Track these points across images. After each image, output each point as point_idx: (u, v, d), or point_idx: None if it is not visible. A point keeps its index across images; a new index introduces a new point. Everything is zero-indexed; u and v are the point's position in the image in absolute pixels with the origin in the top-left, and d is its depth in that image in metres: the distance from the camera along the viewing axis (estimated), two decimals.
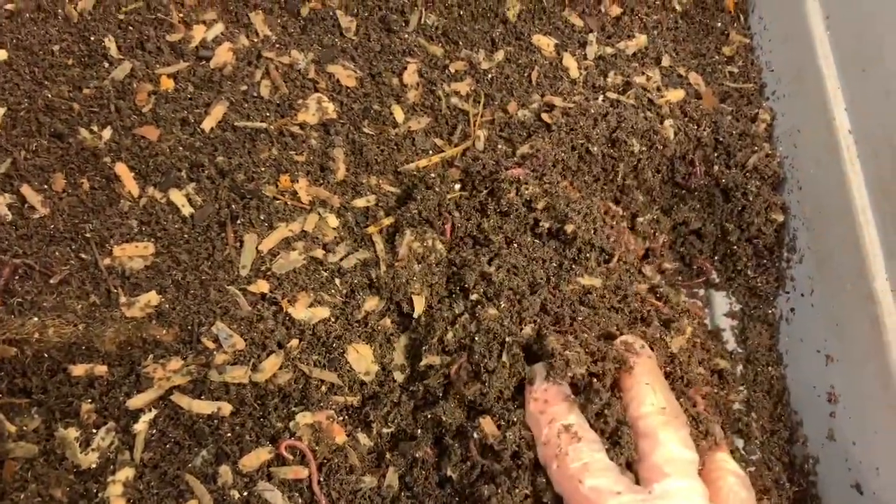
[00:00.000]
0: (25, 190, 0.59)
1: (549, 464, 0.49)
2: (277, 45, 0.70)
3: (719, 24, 0.81)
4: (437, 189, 0.64)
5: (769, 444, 0.66)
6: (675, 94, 0.73)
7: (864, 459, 0.58)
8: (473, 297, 0.59)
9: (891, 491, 0.55)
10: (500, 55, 0.73)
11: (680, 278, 0.74)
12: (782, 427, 0.66)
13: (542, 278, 0.59)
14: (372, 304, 0.59)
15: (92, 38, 0.66)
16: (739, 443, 0.65)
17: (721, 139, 0.72)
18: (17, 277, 0.56)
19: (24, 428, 0.53)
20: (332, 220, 0.63)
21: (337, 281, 0.60)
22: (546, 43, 0.75)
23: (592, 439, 0.48)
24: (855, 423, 0.60)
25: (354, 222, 0.64)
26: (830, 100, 0.66)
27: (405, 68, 0.71)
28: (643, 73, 0.75)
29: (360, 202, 0.64)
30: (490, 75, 0.72)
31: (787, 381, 0.69)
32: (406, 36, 0.73)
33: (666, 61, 0.76)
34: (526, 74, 0.73)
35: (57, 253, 0.58)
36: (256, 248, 0.60)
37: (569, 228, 0.61)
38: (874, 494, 0.57)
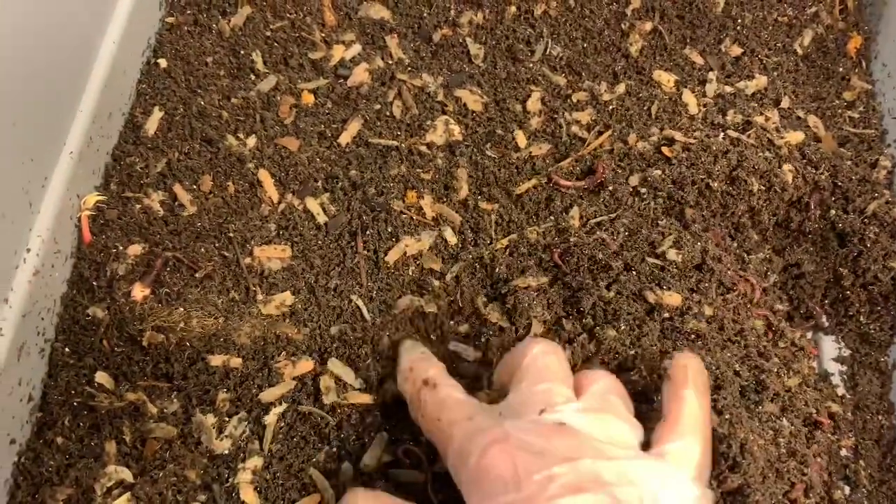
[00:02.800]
0: (177, 189, 0.64)
1: (416, 419, 0.51)
2: (410, 68, 0.73)
3: (840, 69, 0.81)
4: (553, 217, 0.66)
5: (877, 494, 0.65)
6: (795, 136, 0.74)
7: None
8: (590, 319, 0.60)
9: None
10: (621, 88, 0.75)
11: (788, 322, 0.74)
12: (892, 477, 0.65)
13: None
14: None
15: (241, 52, 0.71)
16: (846, 490, 0.64)
17: (839, 184, 0.72)
18: (167, 270, 0.60)
19: (165, 410, 0.56)
20: (452, 237, 0.65)
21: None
22: (666, 78, 0.76)
23: (451, 384, 0.51)
24: None
25: (473, 241, 0.66)
26: None
27: (529, 96, 0.73)
28: (762, 114, 0.75)
29: (480, 221, 0.66)
30: (611, 107, 0.74)
31: None
32: (531, 65, 0.75)
33: (785, 103, 0.77)
34: (646, 108, 0.75)
35: (203, 249, 0.62)
36: (383, 258, 0.63)
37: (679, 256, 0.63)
38: None
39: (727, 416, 0.54)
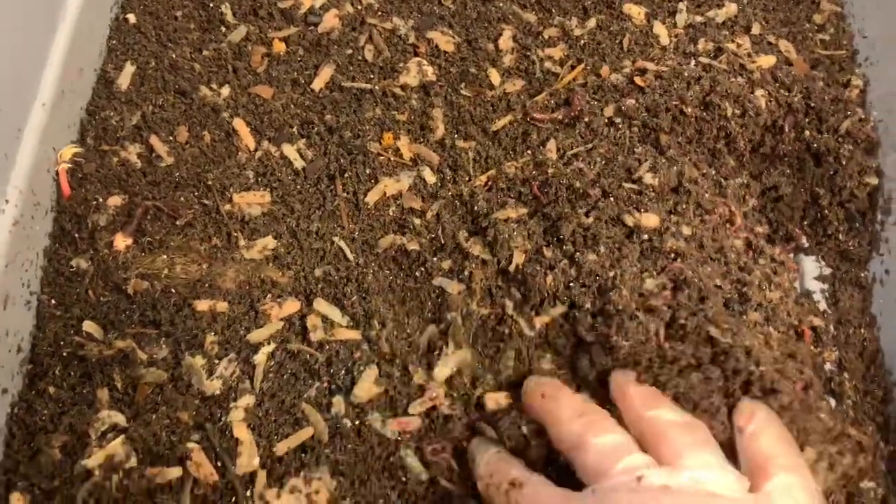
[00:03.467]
0: (153, 140, 0.64)
1: None
2: (380, 12, 0.73)
3: None
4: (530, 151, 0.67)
5: (862, 404, 0.66)
6: (767, 61, 0.74)
7: None
8: (570, 246, 0.61)
9: None
10: (591, 22, 0.75)
11: (769, 244, 0.74)
12: (876, 387, 0.66)
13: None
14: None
15: (210, 5, 0.71)
16: (832, 402, 0.65)
17: (813, 104, 0.72)
18: (148, 219, 0.61)
19: (154, 356, 0.57)
20: (430, 176, 0.66)
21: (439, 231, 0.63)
22: (637, 11, 0.77)
23: (536, 479, 0.50)
24: None
25: (452, 179, 0.66)
26: None
27: (500, 34, 0.73)
28: (733, 41, 0.76)
29: (457, 160, 0.67)
30: (583, 41, 0.74)
31: (881, 343, 0.69)
32: (501, 4, 0.75)
33: (756, 29, 0.77)
34: (617, 41, 0.75)
35: (182, 198, 0.62)
36: (363, 199, 0.64)
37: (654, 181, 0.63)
38: None
39: (725, 326, 0.54)
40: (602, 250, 0.60)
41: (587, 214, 0.62)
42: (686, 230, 0.62)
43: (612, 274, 0.58)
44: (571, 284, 0.59)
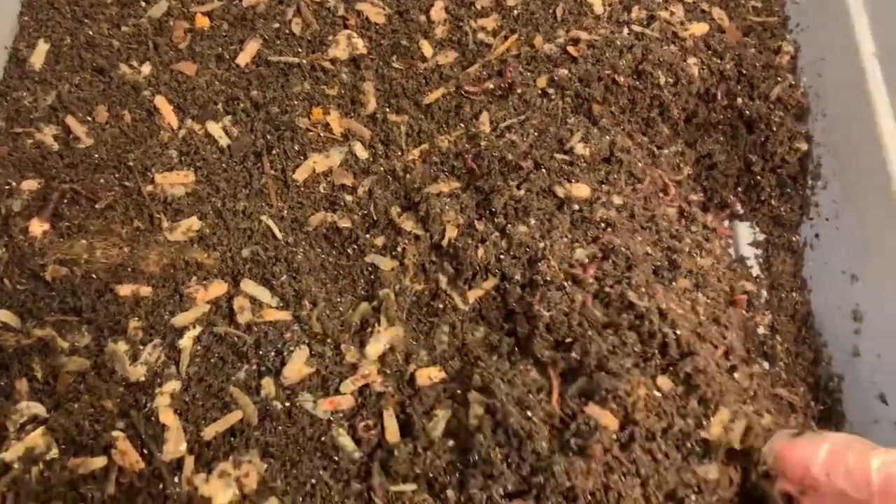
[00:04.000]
0: (70, 121, 0.61)
1: None
2: None
3: None
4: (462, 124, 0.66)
5: (794, 365, 0.67)
6: (699, 28, 0.74)
7: (890, 371, 0.59)
8: (501, 218, 0.60)
9: None
10: None
11: (704, 212, 0.75)
12: (807, 349, 0.68)
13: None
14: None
15: None
16: (765, 365, 0.66)
17: (744, 72, 0.73)
18: (65, 202, 0.58)
19: (76, 344, 0.55)
20: (362, 151, 0.65)
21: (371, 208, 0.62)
22: None
23: None
24: (880, 337, 0.61)
25: (384, 154, 0.65)
26: (854, 25, 0.67)
27: (432, 5, 0.72)
28: (667, 9, 0.75)
29: (389, 134, 0.66)
30: (516, 12, 0.73)
31: (812, 305, 0.70)
32: None
33: None
34: (551, 11, 0.74)
35: (102, 180, 0.60)
36: (291, 177, 0.62)
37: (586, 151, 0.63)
38: None
39: (643, 290, 0.55)
40: (532, 222, 0.59)
41: (519, 187, 0.62)
42: (617, 200, 0.62)
43: (541, 245, 0.58)
44: (502, 257, 0.59)
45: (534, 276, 0.57)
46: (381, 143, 0.66)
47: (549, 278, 0.56)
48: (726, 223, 0.75)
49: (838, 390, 0.64)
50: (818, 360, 0.67)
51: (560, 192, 0.61)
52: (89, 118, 0.63)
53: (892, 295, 0.60)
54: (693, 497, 0.50)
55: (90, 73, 0.64)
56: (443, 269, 0.60)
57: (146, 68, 0.65)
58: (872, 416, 0.60)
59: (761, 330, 0.68)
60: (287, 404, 0.55)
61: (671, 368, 0.54)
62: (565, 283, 0.56)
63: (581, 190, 0.61)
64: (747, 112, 0.72)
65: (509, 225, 0.59)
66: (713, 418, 0.52)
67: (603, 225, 0.60)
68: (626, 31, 0.72)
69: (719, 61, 0.73)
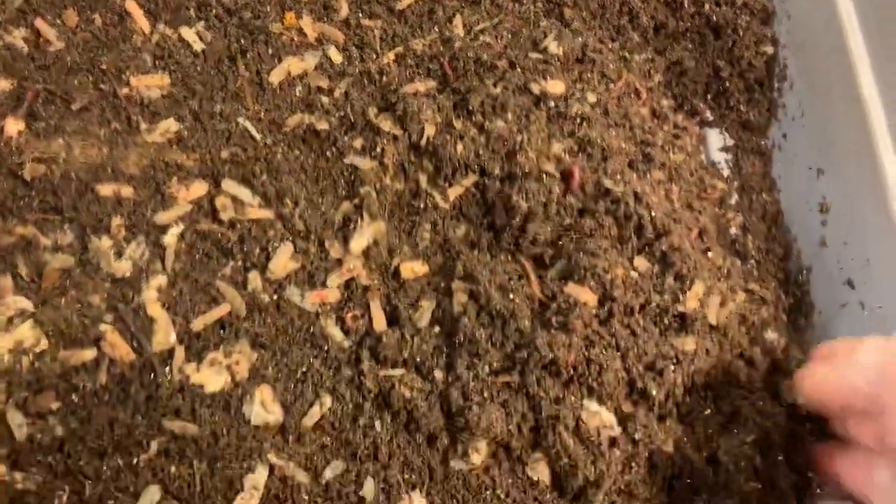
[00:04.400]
0: (39, 23, 0.60)
1: None
2: None
3: None
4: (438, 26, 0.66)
5: (765, 262, 0.70)
6: None
7: (855, 255, 0.62)
8: (479, 116, 0.61)
9: (881, 279, 0.59)
10: None
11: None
12: (777, 246, 0.70)
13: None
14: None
15: None
16: (738, 262, 0.68)
17: None
18: (39, 103, 0.58)
19: (59, 242, 0.55)
20: (336, 55, 0.65)
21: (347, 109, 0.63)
22: None
23: None
24: (846, 224, 0.63)
25: (359, 57, 0.65)
26: None
27: None
28: None
29: (364, 38, 0.66)
30: None
31: (781, 205, 0.72)
32: None
33: None
34: None
35: (76, 82, 0.59)
36: (267, 79, 0.62)
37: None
38: (865, 284, 0.61)
39: (619, 177, 0.56)
40: (510, 117, 0.60)
41: (495, 85, 0.63)
42: (591, 97, 0.63)
43: (519, 139, 0.59)
44: (481, 152, 0.60)
45: (512, 170, 0.58)
46: (355, 46, 0.66)
47: (527, 169, 0.57)
48: (697, 129, 0.76)
49: (807, 282, 0.67)
50: (788, 256, 0.69)
51: (535, 88, 0.62)
52: (59, 21, 0.61)
53: (856, 183, 0.62)
54: (672, 367, 0.52)
55: None
56: (422, 167, 0.61)
57: None
58: (840, 302, 0.63)
59: (733, 230, 0.70)
60: (275, 297, 0.56)
61: (647, 249, 0.56)
62: (543, 175, 0.57)
63: (556, 87, 0.62)
64: (714, 18, 0.73)
65: (487, 121, 0.60)
66: (689, 292, 0.54)
67: (578, 120, 0.61)
68: None
69: None
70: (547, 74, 0.63)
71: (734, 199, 0.73)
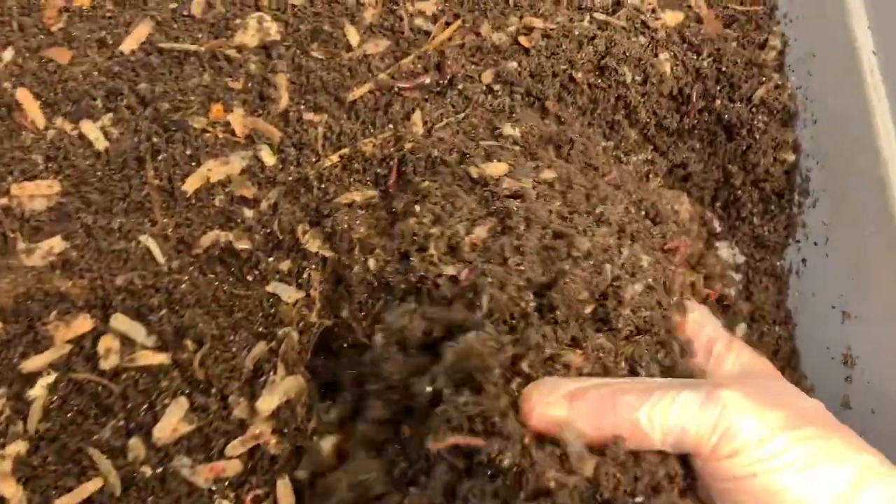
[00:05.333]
0: None
1: None
2: None
3: None
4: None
5: None
6: (673, 17, 0.64)
7: (884, 430, 0.50)
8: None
9: None
10: None
11: None
12: None
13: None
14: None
15: None
16: None
17: (724, 69, 0.63)
18: None
19: None
20: (269, 157, 0.55)
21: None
22: None
23: None
24: (875, 390, 0.52)
25: (296, 160, 0.55)
26: (852, 17, 0.57)
27: None
28: None
29: (304, 136, 0.56)
30: None
31: (797, 342, 0.61)
32: None
33: None
34: None
35: None
36: (180, 187, 0.52)
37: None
38: None
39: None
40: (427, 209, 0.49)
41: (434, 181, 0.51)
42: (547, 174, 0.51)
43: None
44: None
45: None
46: (293, 146, 0.55)
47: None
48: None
49: None
50: None
51: (474, 172, 0.50)
52: None
53: (891, 340, 0.50)
54: None
55: None
56: (349, 299, 0.50)
57: (7, 54, 0.55)
58: None
59: None
60: (159, 470, 0.46)
61: None
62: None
63: (497, 168, 0.50)
64: (727, 116, 0.63)
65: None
66: None
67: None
68: (587, 19, 0.62)
69: (695, 57, 0.63)
70: (493, 157, 0.52)
71: (742, 329, 0.61)
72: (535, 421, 0.37)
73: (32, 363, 0.47)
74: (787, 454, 0.36)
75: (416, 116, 0.57)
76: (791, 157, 0.62)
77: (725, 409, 0.36)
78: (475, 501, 0.37)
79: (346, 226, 0.50)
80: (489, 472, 0.37)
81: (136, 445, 0.46)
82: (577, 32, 0.60)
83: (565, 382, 0.38)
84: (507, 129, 0.54)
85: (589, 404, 0.37)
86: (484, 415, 0.37)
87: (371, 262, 0.48)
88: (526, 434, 0.37)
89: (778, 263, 0.63)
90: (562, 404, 0.37)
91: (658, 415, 0.36)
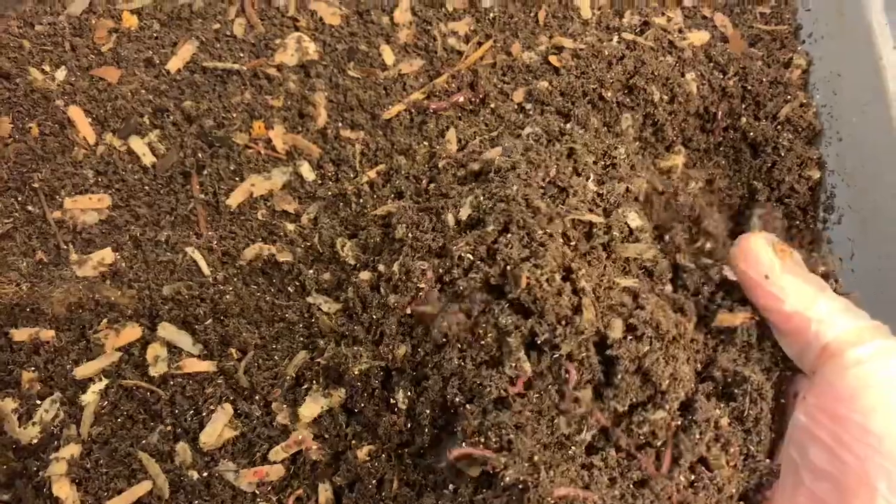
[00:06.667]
0: None
1: None
2: None
3: None
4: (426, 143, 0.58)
5: None
6: (699, 37, 0.66)
7: None
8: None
9: None
10: None
11: None
12: None
13: None
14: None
15: None
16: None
17: (749, 88, 0.64)
18: None
19: None
20: (309, 173, 0.56)
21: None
22: None
23: None
24: None
25: (334, 176, 0.57)
26: (877, 37, 0.59)
27: (396, 5, 0.64)
28: (663, 13, 0.67)
29: (342, 153, 0.57)
30: (492, 14, 0.65)
31: None
32: None
33: (688, 1, 0.68)
34: (532, 14, 0.66)
35: (0, 205, 0.52)
36: (224, 202, 0.54)
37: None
38: None
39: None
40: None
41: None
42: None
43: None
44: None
45: None
46: (331, 162, 0.57)
47: None
48: None
49: None
50: None
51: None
52: None
53: None
54: None
55: None
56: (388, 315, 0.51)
57: (60, 74, 0.57)
58: None
59: None
60: (205, 474, 0.47)
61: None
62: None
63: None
64: (752, 134, 0.64)
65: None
66: None
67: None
68: (616, 39, 0.64)
69: (721, 76, 0.64)
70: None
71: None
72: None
73: (84, 370, 0.48)
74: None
75: (451, 134, 0.59)
76: (816, 175, 0.63)
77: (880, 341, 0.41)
78: None
79: (377, 238, 0.51)
80: (500, 486, 0.39)
81: (183, 450, 0.47)
82: (606, 52, 0.62)
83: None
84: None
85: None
86: (499, 428, 0.39)
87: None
88: (535, 452, 0.39)
89: None
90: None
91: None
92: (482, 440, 0.39)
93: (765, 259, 0.44)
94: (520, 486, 0.38)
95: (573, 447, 0.40)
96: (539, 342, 0.42)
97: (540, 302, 0.42)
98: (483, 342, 0.43)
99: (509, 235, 0.45)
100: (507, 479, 0.38)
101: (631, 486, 0.40)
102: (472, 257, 0.46)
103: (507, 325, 0.42)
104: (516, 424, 0.40)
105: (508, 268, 0.43)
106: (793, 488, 0.42)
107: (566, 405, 0.41)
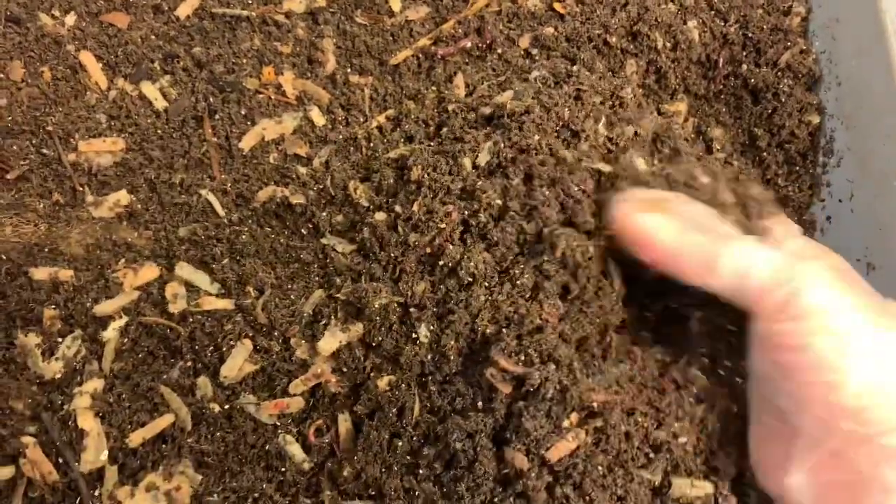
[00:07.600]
0: None
1: None
2: None
3: None
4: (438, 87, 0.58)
5: None
6: None
7: None
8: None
9: None
10: None
11: None
12: None
13: None
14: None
15: None
16: None
17: (750, 35, 0.65)
18: None
19: None
20: (319, 117, 0.57)
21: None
22: None
23: None
24: None
25: (344, 120, 0.57)
26: None
27: None
28: None
29: (351, 98, 0.58)
30: None
31: None
32: None
33: None
34: None
35: (15, 147, 0.52)
36: (236, 145, 0.55)
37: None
38: None
39: None
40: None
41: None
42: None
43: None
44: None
45: None
46: (341, 107, 0.58)
47: None
48: None
49: None
50: None
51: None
52: (2, 75, 0.54)
53: None
54: None
55: (3, 24, 0.56)
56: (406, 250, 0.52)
57: (70, 19, 0.57)
58: None
59: None
60: (226, 407, 0.48)
61: None
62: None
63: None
64: (752, 80, 0.65)
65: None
66: None
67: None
68: None
69: (722, 23, 0.65)
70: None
71: None
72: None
73: (104, 307, 0.49)
74: (859, 334, 0.33)
75: (459, 79, 0.59)
76: (815, 119, 0.64)
77: (798, 271, 0.35)
78: (528, 419, 0.40)
79: (391, 180, 0.52)
80: (540, 395, 0.40)
81: (204, 384, 0.48)
82: None
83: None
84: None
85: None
86: (539, 345, 0.41)
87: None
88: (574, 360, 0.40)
89: (803, 218, 0.66)
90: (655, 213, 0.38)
91: (736, 252, 0.36)
92: (522, 359, 0.40)
93: (658, 237, 0.39)
94: (559, 389, 0.39)
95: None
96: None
97: (571, 268, 0.43)
98: (518, 282, 0.44)
99: (546, 192, 0.45)
100: (549, 388, 0.39)
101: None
102: (500, 202, 0.47)
103: (547, 271, 0.43)
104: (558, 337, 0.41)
105: (546, 230, 0.44)
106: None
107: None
